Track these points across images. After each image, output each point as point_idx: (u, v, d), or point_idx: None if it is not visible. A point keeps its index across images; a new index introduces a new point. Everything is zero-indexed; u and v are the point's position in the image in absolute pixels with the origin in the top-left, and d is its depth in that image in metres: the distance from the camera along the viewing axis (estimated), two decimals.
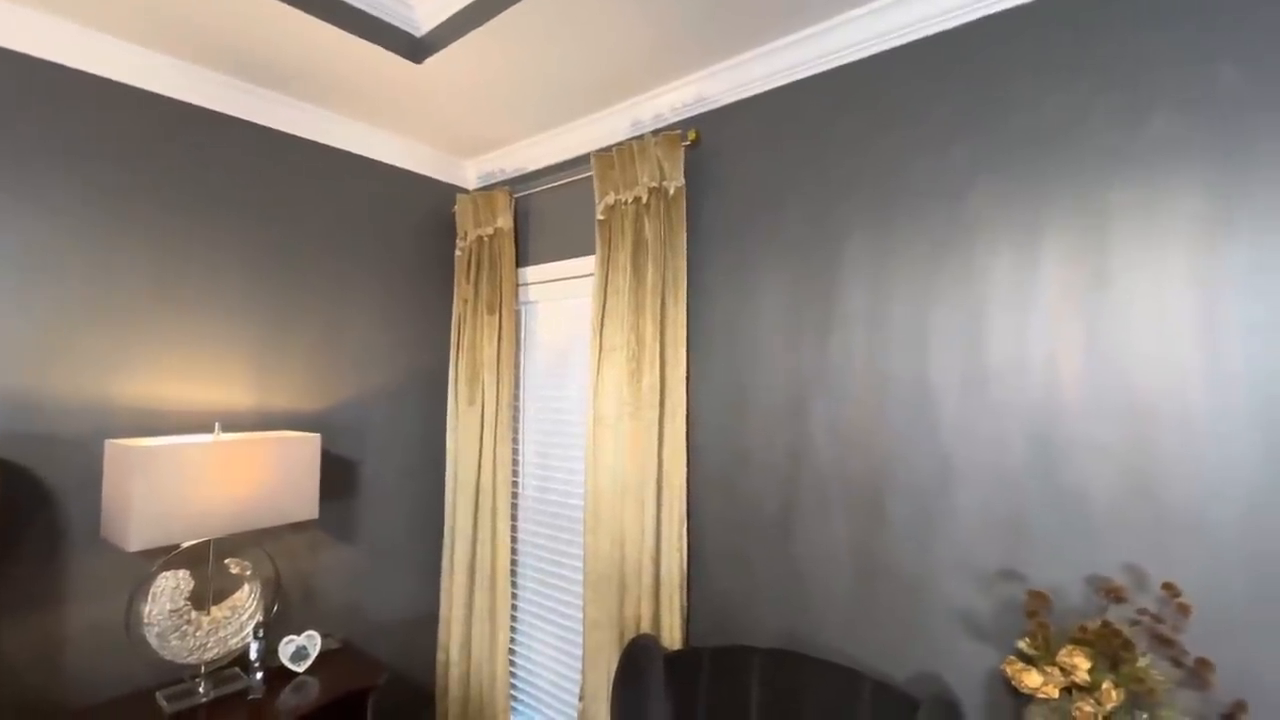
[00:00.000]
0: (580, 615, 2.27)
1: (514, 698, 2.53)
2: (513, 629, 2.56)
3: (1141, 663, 1.15)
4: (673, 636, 1.88)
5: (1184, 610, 1.18)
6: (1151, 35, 1.29)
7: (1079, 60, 1.37)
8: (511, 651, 2.55)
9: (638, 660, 1.67)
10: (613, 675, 1.84)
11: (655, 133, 2.03)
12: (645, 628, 1.91)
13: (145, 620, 1.71)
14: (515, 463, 2.61)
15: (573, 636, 2.34)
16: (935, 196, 1.55)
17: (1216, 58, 1.22)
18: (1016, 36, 1.45)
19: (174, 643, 1.74)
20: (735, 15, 1.67)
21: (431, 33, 1.86)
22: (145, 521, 1.59)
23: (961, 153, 1.52)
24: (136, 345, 1.89)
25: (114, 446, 1.68)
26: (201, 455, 1.69)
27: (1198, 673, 1.15)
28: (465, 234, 2.63)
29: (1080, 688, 1.17)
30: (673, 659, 1.69)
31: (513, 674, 2.55)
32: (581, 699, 2.08)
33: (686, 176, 2.00)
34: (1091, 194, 1.34)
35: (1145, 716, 1.14)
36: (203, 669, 1.83)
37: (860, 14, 1.63)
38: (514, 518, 2.58)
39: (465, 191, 2.77)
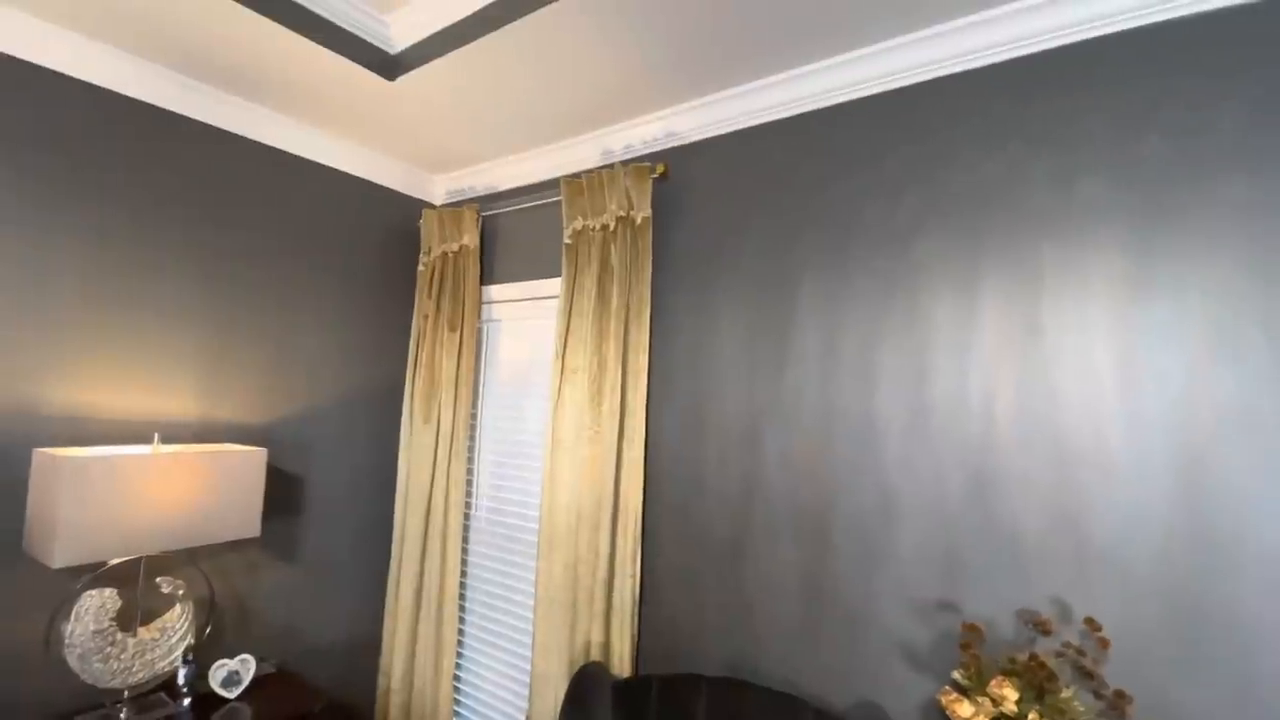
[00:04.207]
0: (529, 641, 2.24)
1: None
2: (459, 654, 2.50)
3: (1065, 694, 1.21)
4: (622, 663, 1.87)
5: (1104, 644, 1.25)
6: (1083, 106, 1.40)
7: (1016, 126, 1.47)
8: (456, 678, 2.49)
9: (586, 688, 1.66)
10: (560, 704, 1.82)
11: (625, 163, 2.07)
12: (595, 654, 1.90)
13: (66, 641, 1.63)
14: (469, 484, 2.58)
15: (521, 663, 2.30)
16: (884, 243, 1.63)
17: (1144, 130, 1.33)
18: (962, 100, 1.55)
19: (96, 665, 1.65)
20: (704, 59, 1.73)
21: (405, 51, 1.87)
22: (72, 536, 1.51)
23: (910, 204, 1.60)
24: (69, 348, 1.81)
25: (42, 455, 1.60)
26: (137, 467, 1.62)
27: (1116, 704, 1.22)
28: (430, 249, 2.62)
29: (1009, 718, 1.22)
30: (621, 688, 1.68)
31: (457, 701, 2.48)
32: None
33: (654, 207, 2.05)
34: (1026, 249, 1.44)
35: None
36: (126, 694, 1.74)
37: (821, 67, 1.72)
38: (465, 540, 2.54)
39: (432, 207, 2.76)
